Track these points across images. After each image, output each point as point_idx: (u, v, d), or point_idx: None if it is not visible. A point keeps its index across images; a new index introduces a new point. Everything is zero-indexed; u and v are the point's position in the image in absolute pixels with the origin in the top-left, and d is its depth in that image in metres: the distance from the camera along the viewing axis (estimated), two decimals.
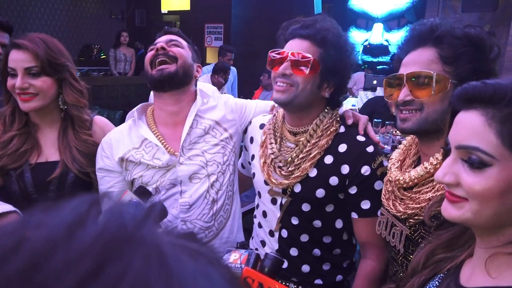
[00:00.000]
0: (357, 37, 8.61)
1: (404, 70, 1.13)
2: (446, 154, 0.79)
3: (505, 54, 5.56)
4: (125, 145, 1.51)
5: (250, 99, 2.04)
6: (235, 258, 1.00)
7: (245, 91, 6.27)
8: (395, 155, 1.27)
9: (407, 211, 1.13)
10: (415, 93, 1.10)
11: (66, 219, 0.26)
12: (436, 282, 0.86)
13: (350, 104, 5.01)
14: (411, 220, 1.14)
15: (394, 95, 1.17)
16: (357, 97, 5.54)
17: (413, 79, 1.11)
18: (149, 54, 1.50)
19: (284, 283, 1.47)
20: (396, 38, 8.02)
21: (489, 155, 0.69)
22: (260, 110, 1.67)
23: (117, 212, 0.27)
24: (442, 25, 1.11)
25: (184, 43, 1.56)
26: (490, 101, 0.71)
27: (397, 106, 1.16)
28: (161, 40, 1.52)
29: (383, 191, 1.26)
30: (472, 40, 1.07)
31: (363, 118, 1.45)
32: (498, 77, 1.07)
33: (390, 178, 1.21)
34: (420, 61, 1.11)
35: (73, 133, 1.59)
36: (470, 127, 0.72)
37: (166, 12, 8.78)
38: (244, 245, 1.09)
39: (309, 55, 1.29)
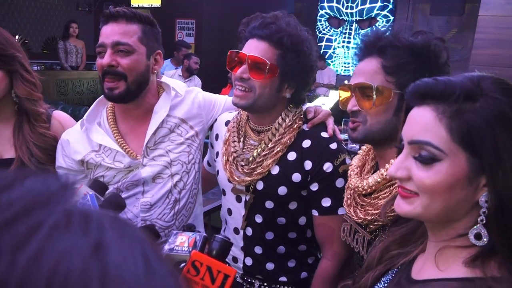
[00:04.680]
0: (329, 33, 8.66)
1: (352, 80, 1.16)
2: (399, 152, 0.81)
3: (469, 57, 5.73)
4: (84, 147, 1.44)
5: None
6: (181, 241, 0.98)
7: (218, 88, 6.20)
8: (355, 161, 1.29)
9: (367, 217, 1.15)
10: (361, 103, 1.13)
11: None
12: (389, 277, 0.88)
13: (320, 103, 5.04)
14: (372, 226, 1.16)
15: (346, 103, 1.19)
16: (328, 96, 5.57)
17: (359, 90, 1.13)
18: (98, 62, 1.36)
19: (248, 280, 1.48)
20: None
21: (439, 149, 0.71)
22: (228, 107, 1.63)
23: (43, 177, 0.30)
24: (388, 34, 1.13)
25: (133, 38, 1.35)
26: (440, 97, 0.73)
27: (349, 115, 1.19)
28: (107, 42, 1.33)
29: (345, 197, 1.27)
30: (415, 49, 1.08)
31: (325, 112, 1.45)
32: None
33: (350, 185, 1.22)
34: (365, 71, 1.12)
35: (29, 127, 1.50)
36: (422, 122, 0.74)
37: (136, 6, 8.56)
38: (191, 228, 1.07)
39: (266, 60, 1.28)
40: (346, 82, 1.27)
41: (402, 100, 1.08)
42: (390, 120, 1.11)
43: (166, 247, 0.97)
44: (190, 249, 0.94)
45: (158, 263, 0.29)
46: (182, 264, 0.91)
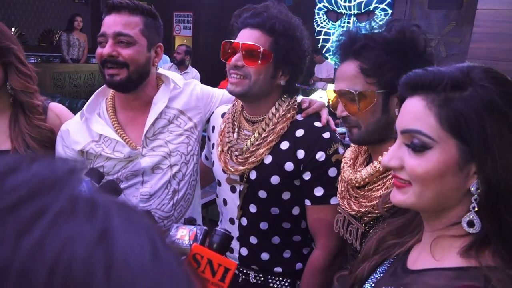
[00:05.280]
0: (327, 27, 8.63)
1: (335, 85, 1.16)
2: None
3: (467, 51, 5.73)
4: (84, 138, 1.45)
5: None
6: (182, 234, 0.99)
7: (217, 81, 6.18)
8: (348, 153, 1.29)
9: (361, 209, 1.15)
10: (348, 109, 1.14)
11: None
12: (385, 267, 0.90)
13: (318, 96, 5.03)
14: (366, 218, 1.16)
15: (334, 107, 1.20)
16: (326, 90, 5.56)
17: (343, 95, 1.13)
18: (99, 51, 1.37)
19: (244, 271, 1.50)
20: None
21: (429, 137, 0.73)
22: (225, 100, 1.64)
23: (49, 162, 0.30)
24: (362, 35, 1.11)
25: (135, 30, 1.36)
26: (429, 86, 0.75)
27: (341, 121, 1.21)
28: (108, 32, 1.34)
29: (338, 190, 1.27)
30: (390, 46, 1.08)
31: (319, 103, 1.46)
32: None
33: (344, 178, 1.22)
34: (346, 76, 1.13)
35: (25, 119, 1.50)
36: (413, 111, 0.76)
37: None
38: (191, 221, 1.08)
39: (259, 46, 1.30)
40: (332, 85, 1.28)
41: (388, 97, 1.09)
42: (379, 119, 1.11)
43: (167, 239, 0.98)
44: (191, 242, 0.94)
45: (165, 251, 0.29)
46: (183, 257, 0.92)
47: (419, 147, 0.74)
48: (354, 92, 1.10)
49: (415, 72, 0.78)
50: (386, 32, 1.09)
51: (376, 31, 1.11)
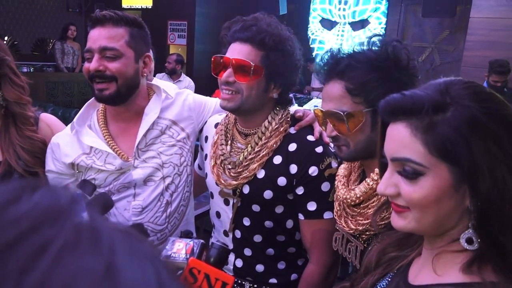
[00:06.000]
0: (322, 35, 8.68)
1: (323, 105, 1.16)
2: (382, 166, 0.82)
3: (461, 59, 5.78)
4: (75, 150, 1.43)
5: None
6: (178, 248, 0.97)
7: (211, 89, 6.18)
8: (341, 171, 1.28)
9: (358, 227, 1.15)
10: (337, 129, 1.13)
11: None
12: (385, 282, 0.88)
13: (312, 105, 5.03)
14: (364, 236, 1.16)
15: (323, 125, 1.20)
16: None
17: (331, 116, 1.13)
18: (86, 66, 1.35)
19: (239, 281, 1.49)
20: (361, 38, 8.13)
21: (420, 164, 0.72)
22: (218, 109, 1.61)
23: (51, 190, 0.29)
24: (345, 54, 1.11)
25: (121, 42, 1.34)
26: (411, 112, 0.74)
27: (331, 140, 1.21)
28: (94, 47, 1.32)
29: (335, 208, 1.26)
30: (374, 64, 1.08)
31: (312, 115, 1.44)
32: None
33: (338, 197, 1.22)
34: (332, 97, 1.12)
35: (16, 130, 1.48)
36: (399, 139, 0.75)
37: (128, 7, 8.51)
38: (188, 234, 1.06)
39: (250, 62, 1.28)
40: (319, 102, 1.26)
41: (375, 114, 1.08)
42: (369, 136, 1.11)
43: (163, 254, 0.95)
44: (188, 256, 0.92)
45: (170, 282, 0.28)
46: (179, 272, 0.89)
47: (411, 175, 0.74)
48: (342, 113, 1.09)
49: (393, 98, 0.77)
50: (368, 50, 1.10)
51: (357, 48, 1.11)
